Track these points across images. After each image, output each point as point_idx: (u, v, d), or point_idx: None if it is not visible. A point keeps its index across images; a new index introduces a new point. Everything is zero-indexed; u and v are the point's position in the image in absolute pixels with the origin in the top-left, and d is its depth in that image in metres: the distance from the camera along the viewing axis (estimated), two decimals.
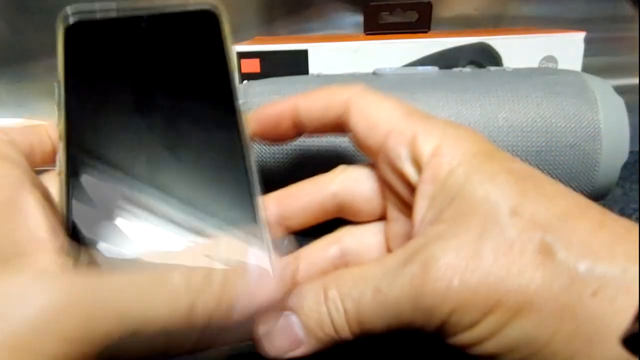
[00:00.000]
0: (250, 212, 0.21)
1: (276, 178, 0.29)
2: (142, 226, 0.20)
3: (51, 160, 0.21)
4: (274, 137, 0.23)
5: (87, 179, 0.20)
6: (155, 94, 0.22)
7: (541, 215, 0.16)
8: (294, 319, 0.18)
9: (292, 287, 0.20)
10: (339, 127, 0.22)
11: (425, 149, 0.19)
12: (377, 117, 0.20)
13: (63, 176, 0.20)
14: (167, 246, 0.19)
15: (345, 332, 0.18)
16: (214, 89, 0.23)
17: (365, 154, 0.21)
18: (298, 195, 0.22)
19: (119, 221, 0.20)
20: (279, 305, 0.18)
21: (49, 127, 0.21)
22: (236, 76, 0.23)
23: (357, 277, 0.18)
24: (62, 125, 0.20)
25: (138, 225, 0.20)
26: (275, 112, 0.22)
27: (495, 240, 0.16)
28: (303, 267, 0.22)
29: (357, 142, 0.21)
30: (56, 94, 0.21)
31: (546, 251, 0.16)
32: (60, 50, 0.21)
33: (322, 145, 0.28)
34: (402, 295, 0.17)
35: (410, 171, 0.19)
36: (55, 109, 0.21)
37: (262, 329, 0.18)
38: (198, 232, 0.20)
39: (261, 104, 0.29)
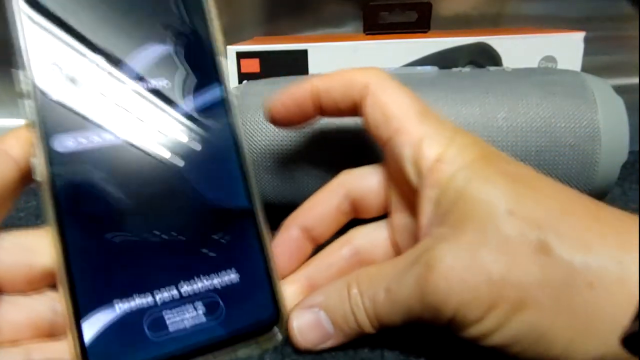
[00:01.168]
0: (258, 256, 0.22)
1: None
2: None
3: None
4: (298, 121, 0.24)
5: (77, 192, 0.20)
6: (131, 72, 0.21)
7: (536, 213, 0.17)
8: (322, 315, 0.20)
9: (313, 289, 0.22)
10: (356, 110, 0.22)
11: (429, 154, 0.20)
12: (391, 111, 0.21)
13: (46, 187, 0.19)
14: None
15: (367, 327, 0.19)
16: (198, 65, 0.23)
17: (373, 139, 0.22)
18: (315, 206, 0.23)
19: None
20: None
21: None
22: (223, 54, 0.23)
23: (372, 276, 0.20)
24: (35, 118, 0.19)
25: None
26: (298, 96, 0.23)
27: (494, 240, 0.17)
28: (321, 269, 0.23)
29: (368, 128, 0.22)
30: (19, 81, 0.19)
31: (543, 247, 0.16)
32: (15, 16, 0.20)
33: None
34: (410, 294, 0.18)
35: (411, 173, 0.20)
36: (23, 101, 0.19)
37: (294, 324, 0.20)
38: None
39: (261, 104, 0.29)
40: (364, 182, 0.23)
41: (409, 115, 0.21)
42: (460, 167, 0.19)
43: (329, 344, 0.20)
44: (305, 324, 0.20)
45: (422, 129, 0.20)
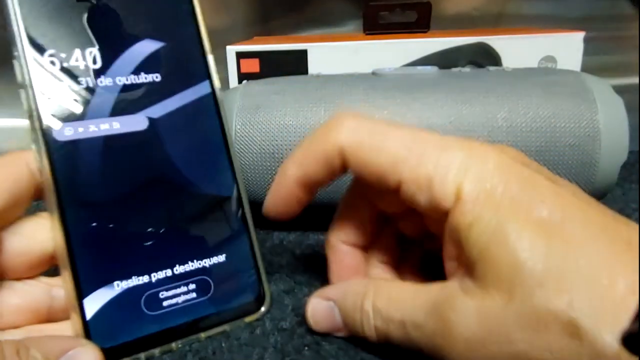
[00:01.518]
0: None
1: None
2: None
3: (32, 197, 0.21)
4: (300, 208, 0.22)
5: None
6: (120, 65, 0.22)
7: (569, 282, 0.15)
8: (336, 310, 0.21)
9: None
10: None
11: (444, 195, 0.17)
12: (382, 167, 0.19)
13: (50, 185, 0.20)
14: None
15: (372, 338, 0.20)
16: (189, 61, 0.23)
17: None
18: (351, 221, 0.23)
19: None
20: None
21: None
22: (210, 52, 0.24)
23: (391, 298, 0.19)
24: (33, 107, 0.20)
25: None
26: (283, 194, 0.21)
27: (522, 309, 0.16)
28: (377, 251, 0.23)
29: (367, 184, 0.20)
30: (17, 71, 0.20)
31: (572, 326, 0.15)
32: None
33: None
34: (421, 341, 0.18)
35: (431, 213, 0.18)
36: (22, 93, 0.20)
37: (309, 308, 0.22)
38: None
39: (261, 104, 0.29)
40: (385, 197, 0.21)
41: (402, 161, 0.18)
42: (483, 209, 0.17)
43: (338, 334, 0.21)
44: (319, 312, 0.21)
45: (425, 168, 0.18)
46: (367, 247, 0.23)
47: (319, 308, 0.21)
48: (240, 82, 0.40)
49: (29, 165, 0.20)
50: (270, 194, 0.22)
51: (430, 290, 0.18)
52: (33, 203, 0.21)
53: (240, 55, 0.40)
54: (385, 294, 0.20)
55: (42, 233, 0.20)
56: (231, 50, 0.40)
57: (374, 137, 0.19)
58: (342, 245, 0.23)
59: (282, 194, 0.22)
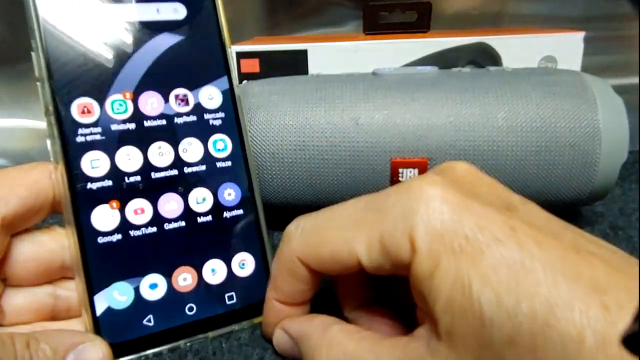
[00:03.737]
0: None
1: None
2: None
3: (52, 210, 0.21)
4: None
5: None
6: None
7: (540, 339, 0.14)
8: (296, 349, 0.20)
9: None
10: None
11: (401, 250, 0.17)
12: (339, 258, 0.18)
13: (61, 169, 0.20)
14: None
15: None
16: (209, 56, 0.23)
17: None
18: (348, 286, 0.22)
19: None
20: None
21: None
22: (230, 47, 0.24)
23: (347, 356, 0.18)
24: (49, 102, 0.20)
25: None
26: (275, 319, 0.21)
27: None
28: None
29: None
30: (35, 64, 0.20)
31: None
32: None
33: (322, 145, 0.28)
34: None
35: (402, 273, 0.18)
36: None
37: (274, 337, 0.21)
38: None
39: (261, 104, 0.29)
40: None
41: (351, 241, 0.18)
42: (440, 255, 0.16)
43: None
44: (283, 344, 0.21)
45: (372, 235, 0.17)
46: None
47: (282, 341, 0.21)
48: (240, 82, 0.40)
49: (50, 175, 0.20)
50: (263, 320, 0.22)
51: (394, 347, 0.17)
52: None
53: (240, 56, 0.40)
54: (341, 349, 0.18)
55: (53, 243, 0.21)
56: (231, 50, 0.40)
57: (320, 235, 0.19)
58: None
59: (271, 319, 0.21)
